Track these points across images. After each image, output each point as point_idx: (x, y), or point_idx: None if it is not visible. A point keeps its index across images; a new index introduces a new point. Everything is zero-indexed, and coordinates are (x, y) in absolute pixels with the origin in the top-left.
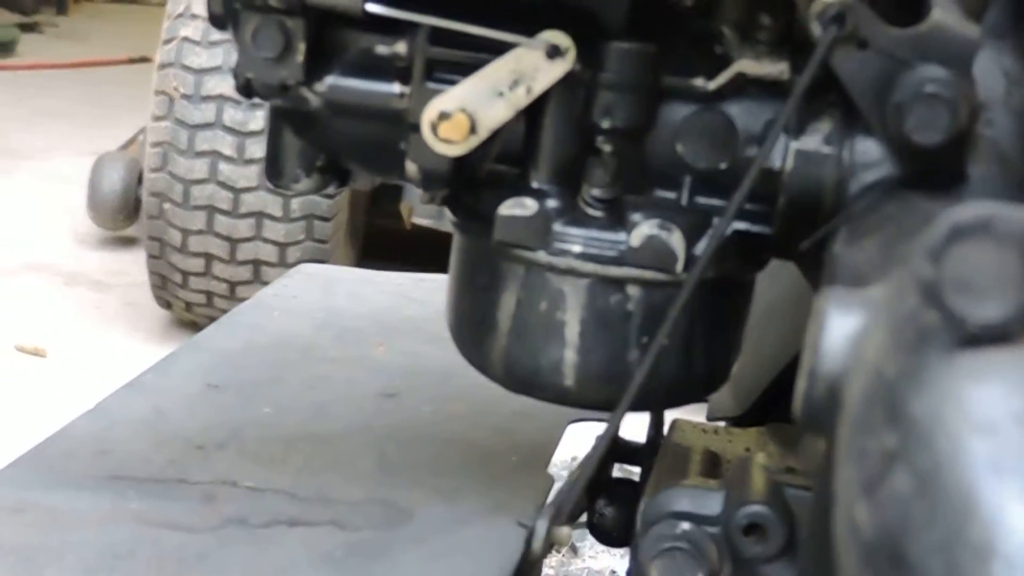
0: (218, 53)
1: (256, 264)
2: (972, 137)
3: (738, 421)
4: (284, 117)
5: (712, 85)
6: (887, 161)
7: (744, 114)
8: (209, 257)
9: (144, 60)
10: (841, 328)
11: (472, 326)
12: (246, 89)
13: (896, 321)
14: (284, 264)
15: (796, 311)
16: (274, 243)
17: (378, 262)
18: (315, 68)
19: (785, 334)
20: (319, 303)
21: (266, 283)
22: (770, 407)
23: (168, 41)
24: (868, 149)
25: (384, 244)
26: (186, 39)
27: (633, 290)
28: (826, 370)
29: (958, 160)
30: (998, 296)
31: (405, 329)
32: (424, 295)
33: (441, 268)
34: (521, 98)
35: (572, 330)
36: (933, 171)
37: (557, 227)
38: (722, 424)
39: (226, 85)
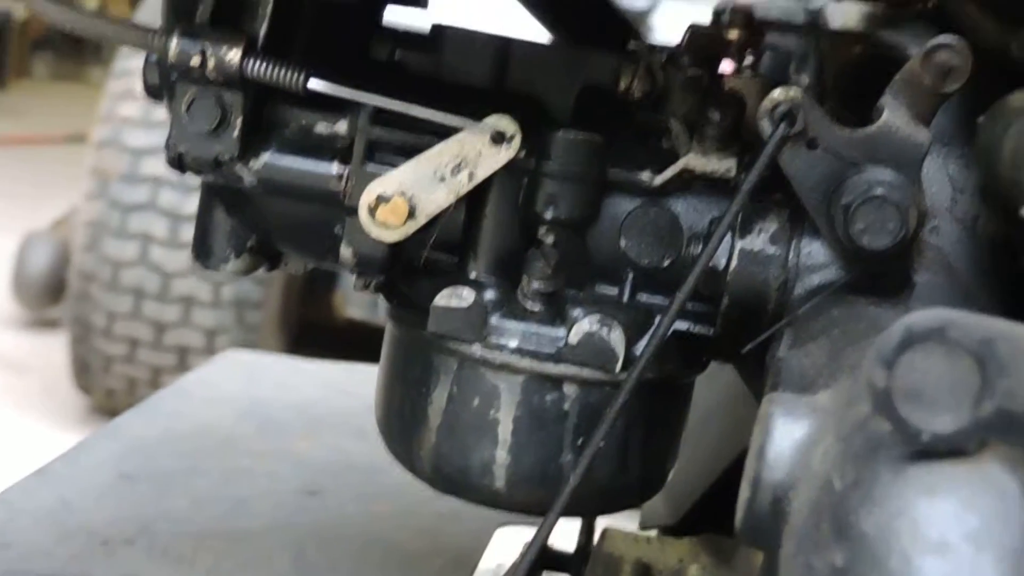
0: (157, 134)
1: (182, 351)
2: (919, 243)
3: (671, 530)
4: (216, 194)
5: (658, 180)
6: (833, 264)
7: (689, 210)
8: (134, 342)
9: (82, 138)
10: (788, 435)
11: (401, 421)
12: (178, 163)
13: (846, 430)
14: (212, 352)
15: (732, 417)
16: (202, 330)
17: (309, 355)
18: (251, 144)
19: (721, 441)
20: (244, 391)
21: None
22: (705, 516)
23: (106, 120)
24: (814, 251)
25: (316, 336)
26: (125, 118)
27: (570, 389)
28: (771, 479)
29: (905, 266)
30: (952, 407)
31: (332, 422)
32: (355, 387)
33: (374, 362)
34: (463, 184)
35: (505, 429)
36: (880, 275)
37: (494, 320)
38: (654, 533)
39: (164, 166)
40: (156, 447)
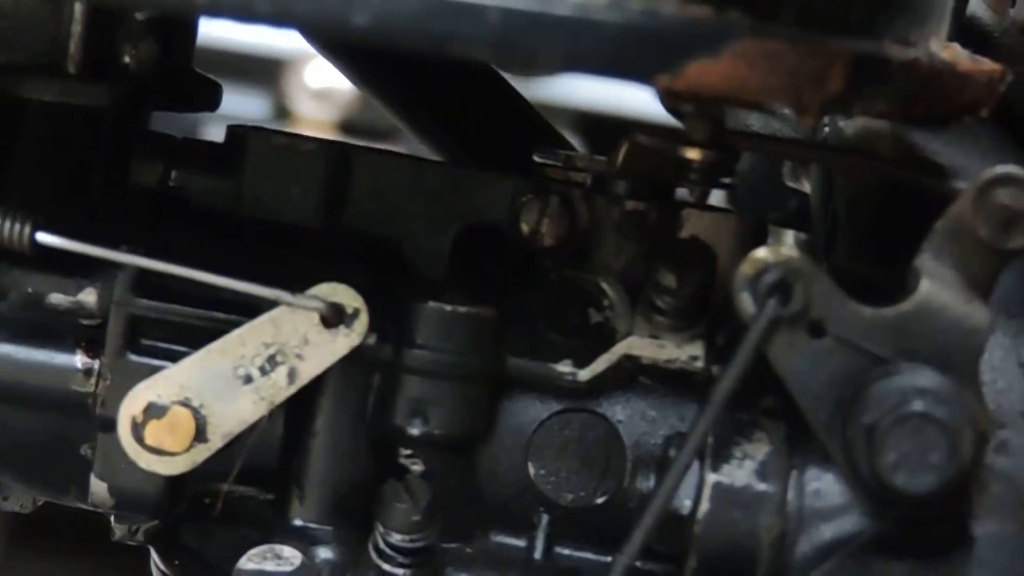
0: None
1: None
2: (980, 472)
3: None
4: None
5: (584, 374)
6: (854, 509)
7: (635, 420)
8: None
9: None
10: None
11: None
12: None
13: None
14: None
15: None
16: None
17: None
18: None
19: None
20: None
21: None
22: None
23: None
24: (826, 488)
25: (43, 526)
26: None
27: None
28: None
29: (959, 510)
30: None
31: None
32: None
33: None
34: (280, 387)
35: None
36: (922, 526)
37: None
38: None
39: None
40: None
